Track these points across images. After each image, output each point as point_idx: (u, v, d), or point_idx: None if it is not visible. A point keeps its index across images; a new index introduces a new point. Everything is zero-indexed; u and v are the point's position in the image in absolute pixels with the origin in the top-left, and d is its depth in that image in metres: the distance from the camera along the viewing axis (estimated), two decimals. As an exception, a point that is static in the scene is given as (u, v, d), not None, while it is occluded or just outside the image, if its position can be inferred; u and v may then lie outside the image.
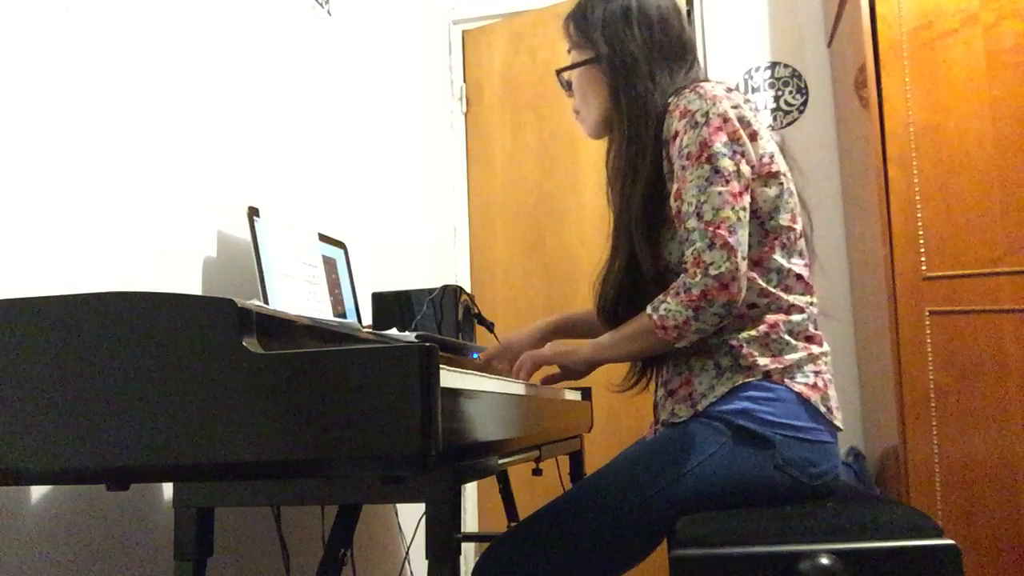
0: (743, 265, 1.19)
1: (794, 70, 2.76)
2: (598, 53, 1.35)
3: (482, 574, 1.22)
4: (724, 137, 1.21)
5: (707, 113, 1.22)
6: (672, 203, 1.25)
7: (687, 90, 1.27)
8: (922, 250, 1.97)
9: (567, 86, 1.44)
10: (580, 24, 1.38)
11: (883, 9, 2.04)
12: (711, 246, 1.18)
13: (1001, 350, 1.91)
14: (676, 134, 1.25)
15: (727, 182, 1.19)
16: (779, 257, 1.26)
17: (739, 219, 1.19)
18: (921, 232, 1.97)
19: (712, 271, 1.17)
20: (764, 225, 1.25)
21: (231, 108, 1.68)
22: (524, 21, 3.11)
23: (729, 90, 1.27)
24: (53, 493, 1.19)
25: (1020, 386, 1.89)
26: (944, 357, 1.93)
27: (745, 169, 1.21)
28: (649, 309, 1.24)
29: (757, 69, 2.79)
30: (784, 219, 1.26)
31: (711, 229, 1.18)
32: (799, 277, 1.27)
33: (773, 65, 2.78)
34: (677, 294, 1.20)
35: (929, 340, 1.94)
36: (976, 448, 1.90)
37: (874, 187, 2.01)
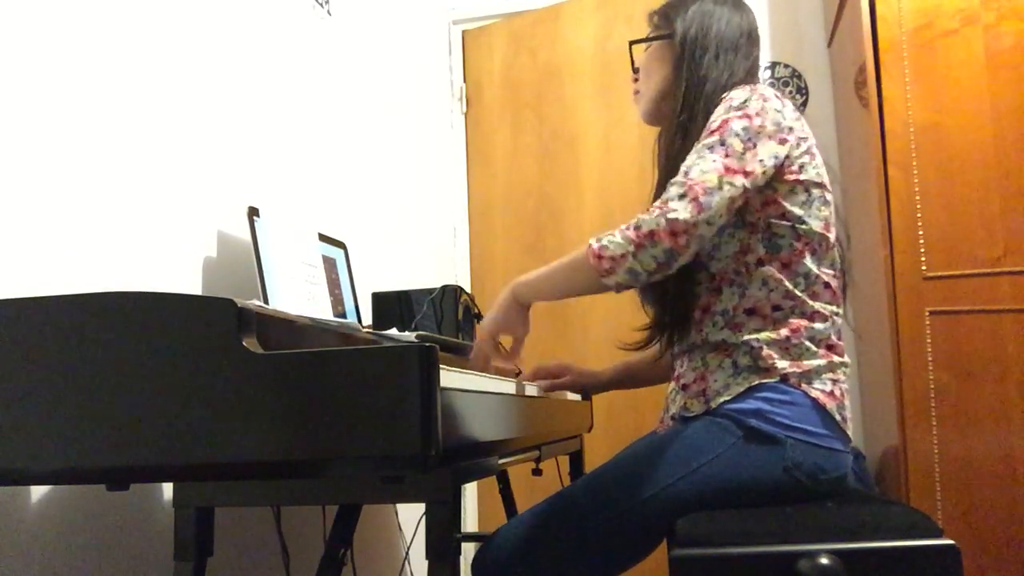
0: (705, 229, 1.15)
1: (794, 70, 2.76)
2: (674, 30, 1.40)
3: (482, 567, 1.22)
4: (746, 123, 1.21)
5: (746, 101, 1.24)
6: None
7: (747, 87, 1.28)
8: (922, 250, 1.97)
9: (635, 70, 1.49)
10: (666, 11, 1.45)
11: (883, 9, 2.04)
12: (682, 196, 1.16)
13: (1001, 350, 1.91)
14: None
15: (726, 155, 1.19)
16: (809, 263, 1.26)
17: (721, 188, 1.16)
18: (921, 232, 1.97)
19: (669, 215, 1.14)
20: (795, 229, 1.25)
21: (231, 108, 1.68)
22: (524, 21, 3.11)
23: (779, 98, 1.28)
24: (53, 493, 1.19)
25: (1020, 386, 1.89)
26: (944, 357, 1.93)
27: (750, 157, 1.19)
28: (592, 239, 1.21)
29: (757, 69, 2.79)
30: (816, 225, 1.26)
31: (689, 183, 1.17)
32: (827, 285, 1.28)
33: (773, 65, 2.78)
34: (626, 228, 1.17)
35: (929, 340, 1.94)
36: (976, 448, 1.90)
37: (874, 187, 2.01)
